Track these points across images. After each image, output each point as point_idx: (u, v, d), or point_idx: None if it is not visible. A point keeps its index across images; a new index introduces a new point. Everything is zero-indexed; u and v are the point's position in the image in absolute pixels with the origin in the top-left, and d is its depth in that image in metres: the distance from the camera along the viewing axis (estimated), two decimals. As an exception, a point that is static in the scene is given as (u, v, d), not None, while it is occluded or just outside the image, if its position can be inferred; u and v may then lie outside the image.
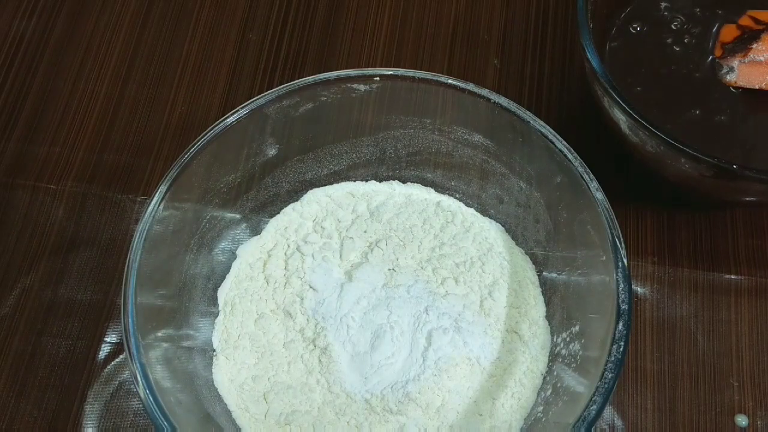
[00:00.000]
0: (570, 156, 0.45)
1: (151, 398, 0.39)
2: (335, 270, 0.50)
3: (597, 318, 0.44)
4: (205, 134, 0.46)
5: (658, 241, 0.54)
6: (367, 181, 0.54)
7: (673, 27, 0.53)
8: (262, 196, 0.52)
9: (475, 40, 0.62)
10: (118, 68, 0.61)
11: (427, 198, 0.53)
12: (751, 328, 0.51)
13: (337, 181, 0.53)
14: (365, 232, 0.51)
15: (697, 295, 0.52)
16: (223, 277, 0.50)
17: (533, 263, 0.51)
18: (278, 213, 0.53)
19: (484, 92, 0.47)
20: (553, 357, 0.47)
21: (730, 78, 0.51)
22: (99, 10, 0.64)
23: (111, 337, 0.51)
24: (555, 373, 0.46)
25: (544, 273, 0.50)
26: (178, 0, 0.64)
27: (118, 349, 0.51)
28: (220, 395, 0.46)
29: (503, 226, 0.52)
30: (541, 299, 0.49)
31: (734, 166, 0.43)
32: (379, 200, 0.52)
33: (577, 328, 0.46)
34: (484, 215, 0.53)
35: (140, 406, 0.48)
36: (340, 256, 0.50)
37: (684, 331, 0.51)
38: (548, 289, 0.50)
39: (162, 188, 0.45)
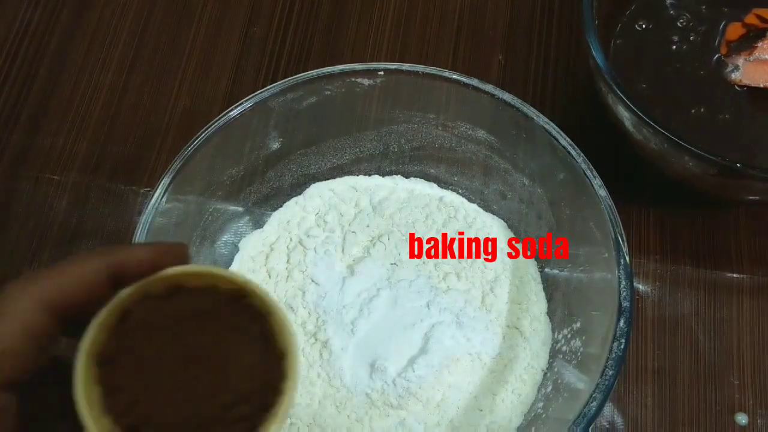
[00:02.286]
0: (573, 153, 0.45)
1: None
2: (337, 264, 0.50)
3: (598, 315, 0.44)
4: (209, 127, 0.46)
5: (660, 239, 0.54)
6: (370, 175, 0.54)
7: (678, 24, 0.53)
8: (265, 189, 0.52)
9: (480, 36, 0.62)
10: (123, 59, 0.61)
11: (430, 193, 0.53)
12: (752, 326, 0.51)
13: (340, 176, 0.53)
14: (368, 226, 0.51)
15: (698, 293, 0.52)
16: (225, 270, 0.50)
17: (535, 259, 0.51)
18: (281, 206, 0.53)
19: (488, 88, 0.47)
20: (553, 353, 0.47)
21: (735, 76, 0.51)
22: (104, 1, 0.64)
23: (113, 328, 0.51)
24: (555, 369, 0.46)
25: (545, 269, 0.50)
26: (183, -8, 0.64)
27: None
28: (221, 387, 0.47)
29: (506, 222, 0.52)
30: (542, 295, 0.49)
31: (738, 165, 0.43)
32: (381, 195, 0.52)
33: (578, 324, 0.46)
34: (486, 211, 0.52)
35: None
36: (342, 250, 0.50)
37: (685, 329, 0.51)
38: (550, 286, 0.50)
39: (165, 180, 0.45)
